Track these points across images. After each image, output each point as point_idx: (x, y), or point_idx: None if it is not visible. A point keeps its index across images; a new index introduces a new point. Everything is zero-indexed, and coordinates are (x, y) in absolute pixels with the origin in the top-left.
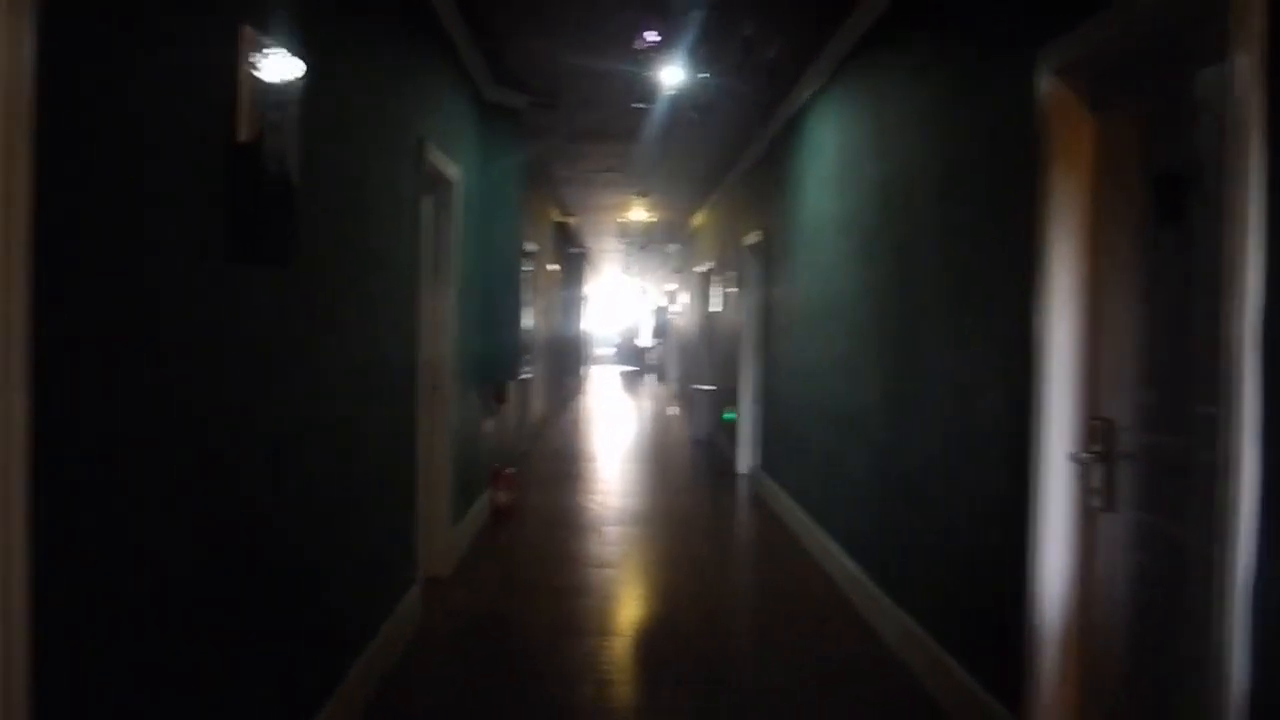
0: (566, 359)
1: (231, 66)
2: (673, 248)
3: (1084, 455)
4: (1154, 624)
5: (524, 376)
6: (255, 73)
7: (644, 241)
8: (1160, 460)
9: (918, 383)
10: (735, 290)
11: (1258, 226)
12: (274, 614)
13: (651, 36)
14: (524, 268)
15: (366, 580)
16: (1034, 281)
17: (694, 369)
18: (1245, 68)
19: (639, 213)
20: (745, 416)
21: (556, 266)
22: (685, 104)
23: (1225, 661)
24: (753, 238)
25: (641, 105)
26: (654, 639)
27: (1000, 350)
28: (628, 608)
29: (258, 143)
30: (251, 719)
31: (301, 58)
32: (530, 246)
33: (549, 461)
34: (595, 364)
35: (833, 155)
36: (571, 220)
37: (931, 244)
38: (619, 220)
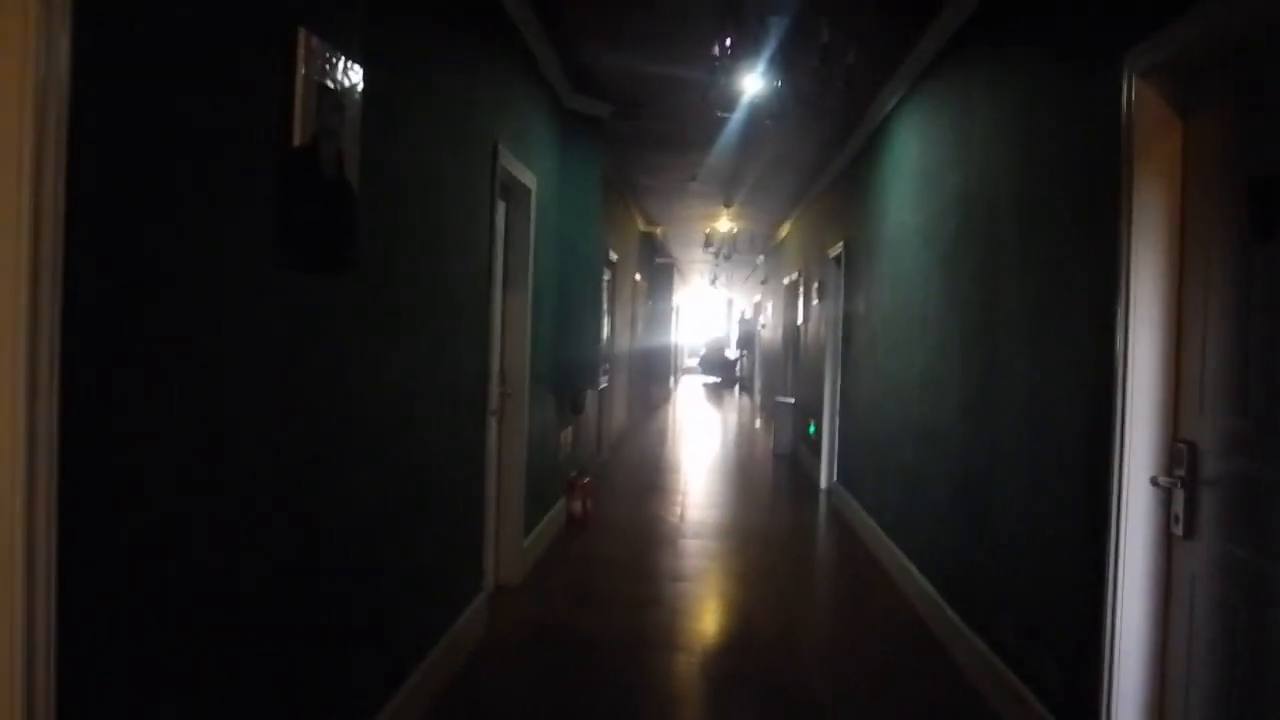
0: (651, 369)
1: (286, 71)
2: (760, 259)
3: (1165, 480)
4: (1239, 658)
5: (603, 386)
6: (311, 77)
7: (729, 251)
8: (1248, 487)
9: (997, 399)
10: (818, 302)
11: None
12: (329, 617)
13: (729, 44)
14: (605, 277)
15: (428, 586)
16: (1117, 296)
17: (778, 381)
18: None
19: (725, 223)
20: (827, 431)
21: (640, 276)
22: (761, 112)
23: None
24: (836, 249)
25: (723, 114)
26: (725, 655)
27: (1081, 367)
28: (701, 622)
29: (313, 148)
30: (305, 713)
31: (363, 62)
32: (613, 255)
33: (628, 472)
34: (682, 374)
35: (914, 166)
36: (658, 230)
37: (1012, 256)
38: (705, 231)
